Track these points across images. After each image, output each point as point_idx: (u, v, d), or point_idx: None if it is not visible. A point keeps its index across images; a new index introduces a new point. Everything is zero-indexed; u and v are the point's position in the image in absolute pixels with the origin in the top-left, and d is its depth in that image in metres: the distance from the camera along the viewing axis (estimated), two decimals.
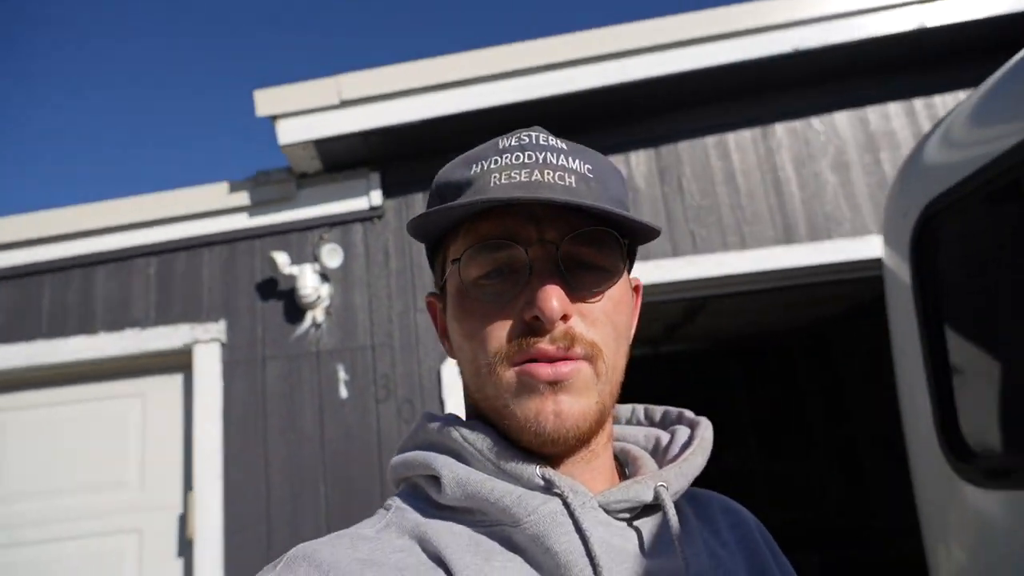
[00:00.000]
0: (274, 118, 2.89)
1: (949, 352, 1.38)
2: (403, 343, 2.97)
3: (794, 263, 3.04)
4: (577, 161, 0.57)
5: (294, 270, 2.95)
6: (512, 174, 0.55)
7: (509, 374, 0.53)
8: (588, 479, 0.56)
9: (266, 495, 2.78)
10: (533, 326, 0.52)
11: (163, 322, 3.01)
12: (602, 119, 3.20)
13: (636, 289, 0.65)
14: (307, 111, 2.90)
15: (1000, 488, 1.23)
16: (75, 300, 3.06)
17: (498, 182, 0.55)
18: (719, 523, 0.63)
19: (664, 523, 0.55)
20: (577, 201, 0.51)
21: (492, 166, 0.56)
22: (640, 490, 0.55)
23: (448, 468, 0.54)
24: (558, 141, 0.59)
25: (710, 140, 3.23)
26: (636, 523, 0.55)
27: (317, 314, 2.99)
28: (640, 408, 0.70)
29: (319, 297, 2.96)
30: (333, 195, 3.12)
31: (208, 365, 2.91)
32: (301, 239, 3.09)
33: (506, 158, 0.56)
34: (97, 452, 2.95)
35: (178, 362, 3.00)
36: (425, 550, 0.51)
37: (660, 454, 0.63)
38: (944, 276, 1.42)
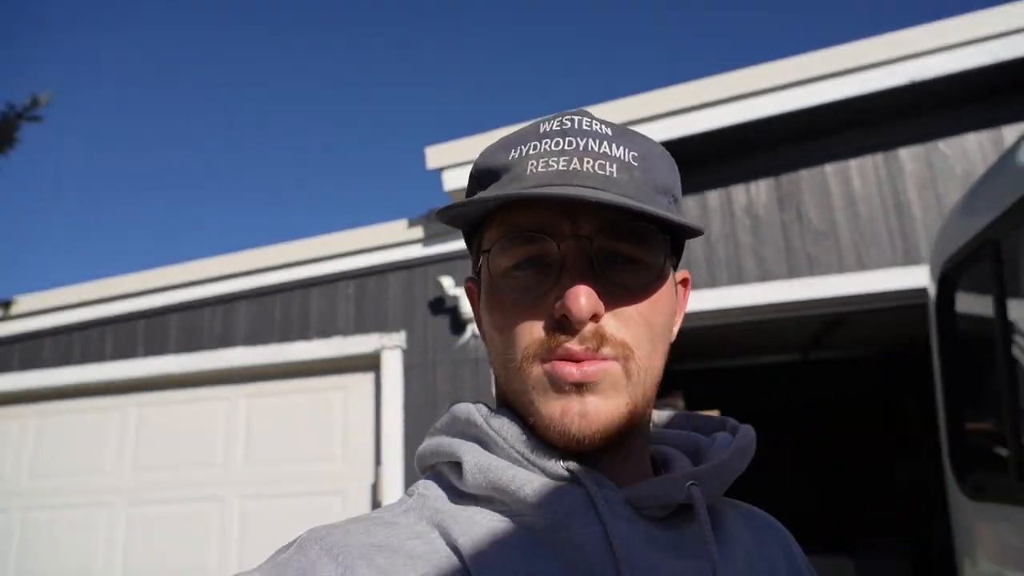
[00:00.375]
0: (441, 169, 3.57)
1: (958, 385, 1.65)
2: None
3: (915, 284, 3.17)
4: (621, 148, 0.55)
5: (457, 291, 3.62)
6: (550, 161, 0.53)
7: (536, 371, 0.51)
8: (619, 477, 0.54)
9: None
10: (562, 324, 0.50)
11: (359, 332, 3.83)
12: (724, 153, 3.53)
13: (684, 283, 0.63)
14: (466, 163, 3.55)
15: (982, 500, 1.51)
16: (296, 314, 3.98)
17: (535, 170, 0.53)
18: (764, 536, 0.62)
19: (697, 525, 0.52)
20: (607, 198, 0.49)
21: (531, 152, 0.54)
22: (670, 487, 0.52)
23: (471, 454, 0.54)
24: (602, 126, 0.56)
25: (830, 168, 3.43)
26: (667, 523, 0.53)
27: (475, 327, 3.64)
28: (684, 415, 0.68)
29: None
30: None
31: (392, 367, 3.68)
32: (464, 265, 3.76)
33: (545, 144, 0.54)
34: (313, 431, 3.84)
35: (370, 363, 3.81)
36: (442, 537, 0.51)
37: (698, 458, 0.61)
38: (956, 322, 1.68)
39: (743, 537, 0.59)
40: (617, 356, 0.51)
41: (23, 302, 4.51)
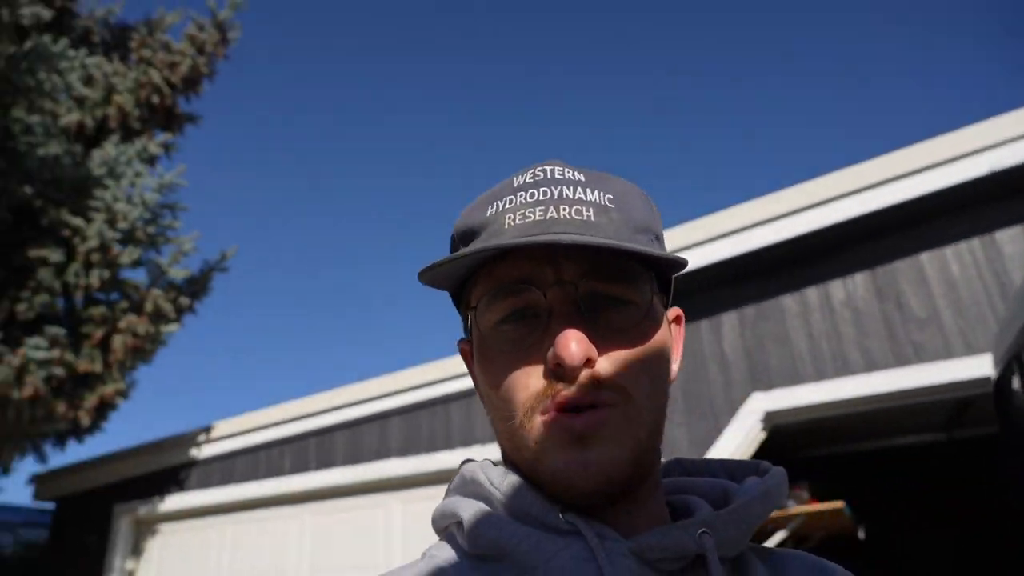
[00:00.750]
0: None
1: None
2: (665, 451, 3.78)
3: None
4: (596, 192, 0.55)
5: None
6: (527, 213, 0.53)
7: (536, 426, 0.51)
8: (627, 528, 0.52)
9: None
10: (557, 373, 0.50)
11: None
12: (820, 250, 3.76)
13: (677, 320, 0.62)
14: None
15: None
16: (439, 426, 4.51)
17: (512, 223, 0.53)
18: None
19: None
20: (585, 240, 0.49)
21: (507, 206, 0.55)
22: (680, 536, 0.50)
23: (469, 512, 0.53)
24: (575, 172, 0.57)
25: (925, 256, 3.56)
26: None
27: None
28: (719, 461, 0.65)
29: None
30: None
31: None
32: None
33: (520, 196, 0.55)
34: None
35: None
36: None
37: (724, 505, 0.57)
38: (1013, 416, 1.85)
39: None
40: (615, 400, 0.50)
41: (220, 427, 5.39)
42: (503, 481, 0.54)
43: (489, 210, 0.56)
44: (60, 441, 6.25)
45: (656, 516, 0.56)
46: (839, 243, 3.72)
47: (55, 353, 4.04)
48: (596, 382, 0.50)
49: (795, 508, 3.63)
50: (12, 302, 4.35)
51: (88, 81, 5.28)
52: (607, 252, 0.52)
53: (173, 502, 5.32)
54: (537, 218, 0.53)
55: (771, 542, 3.63)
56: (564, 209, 0.53)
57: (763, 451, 4.03)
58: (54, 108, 4.51)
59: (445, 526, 0.58)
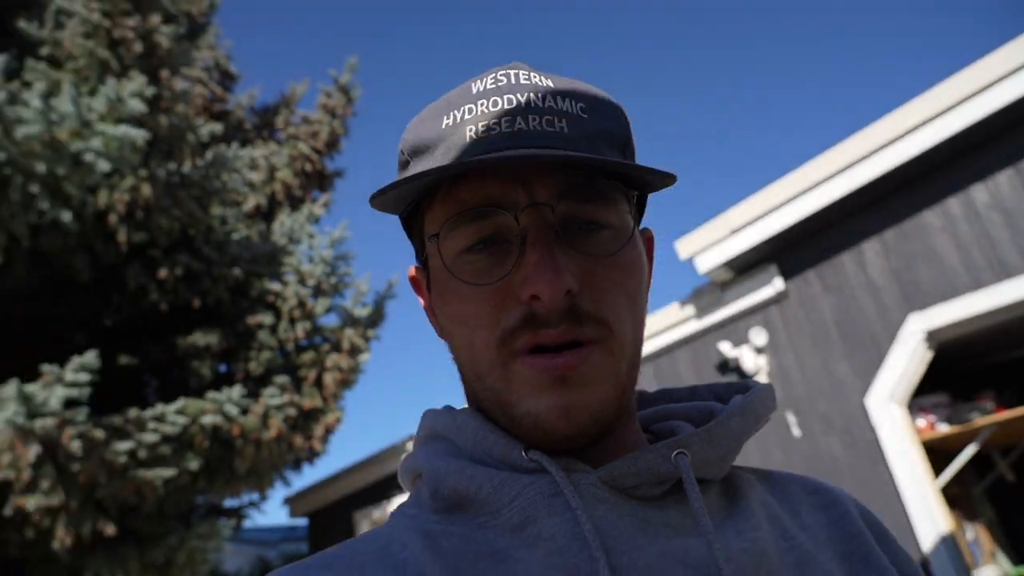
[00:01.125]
0: (692, 256, 4.30)
1: None
2: (831, 388, 3.91)
3: None
4: (568, 101, 0.49)
5: (736, 352, 4.22)
6: (491, 124, 0.47)
7: (510, 367, 0.46)
8: (598, 459, 0.48)
9: None
10: (533, 308, 0.45)
11: None
12: (954, 156, 3.69)
13: (649, 241, 0.57)
14: (712, 245, 4.22)
15: None
16: None
17: (475, 135, 0.47)
18: (800, 504, 0.54)
19: (706, 499, 0.47)
20: (566, 156, 0.43)
21: (467, 116, 0.48)
22: (652, 459, 0.46)
23: (429, 463, 0.49)
24: (543, 78, 0.50)
25: None
26: (664, 501, 0.47)
27: (761, 378, 4.18)
28: (707, 385, 0.61)
29: (759, 367, 4.16)
30: (747, 291, 4.33)
31: None
32: (736, 328, 4.36)
33: (482, 105, 0.48)
34: None
35: None
36: (412, 556, 0.45)
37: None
38: None
39: (772, 508, 0.52)
40: (598, 336, 0.46)
41: None
42: (463, 426, 0.50)
43: (445, 121, 0.50)
44: (297, 467, 7.40)
45: (630, 445, 0.51)
46: (975, 144, 3.63)
47: (286, 397, 4.90)
48: (577, 317, 0.45)
49: (979, 420, 3.62)
50: (244, 363, 5.31)
51: (253, 166, 6.21)
52: (584, 170, 0.47)
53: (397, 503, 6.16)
54: (504, 130, 0.47)
55: (960, 458, 3.66)
56: (534, 120, 0.47)
57: (937, 368, 4.03)
58: (237, 198, 5.41)
59: (412, 480, 0.54)
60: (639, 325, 0.50)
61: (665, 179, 0.48)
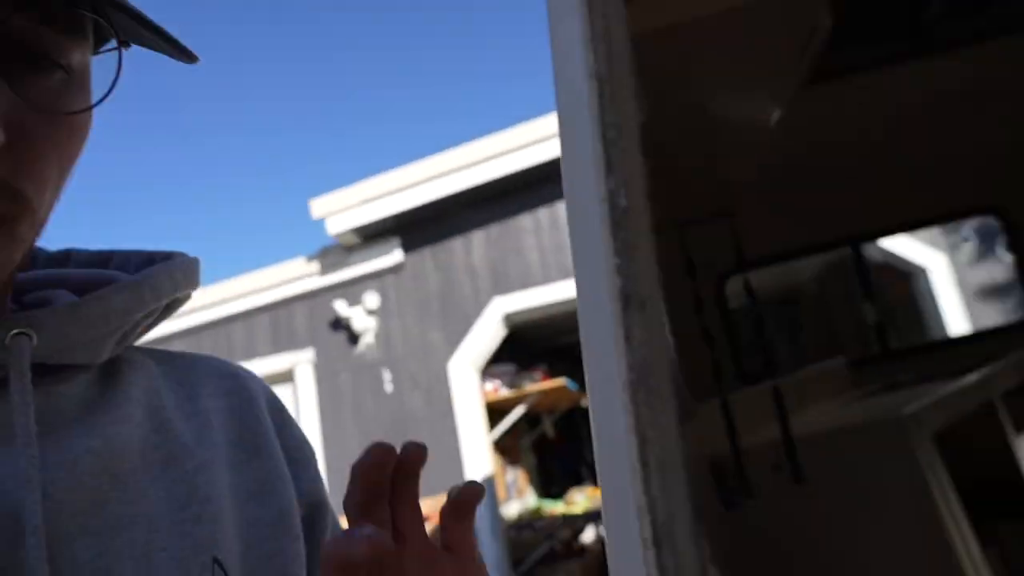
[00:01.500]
0: (324, 218, 4.48)
1: None
2: (424, 352, 4.49)
3: None
4: None
5: (350, 312, 4.54)
6: None
7: None
8: None
9: (345, 454, 4.43)
10: None
11: (277, 352, 4.72)
12: (549, 176, 4.51)
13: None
14: (344, 210, 4.46)
15: None
16: (224, 344, 4.84)
17: None
18: (203, 387, 0.47)
19: (68, 389, 0.39)
20: None
21: None
22: None
23: None
24: None
25: None
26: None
27: (368, 338, 4.58)
28: (125, 251, 0.47)
29: (367, 327, 4.55)
30: (369, 257, 4.68)
31: (305, 378, 4.58)
32: (353, 290, 4.68)
33: None
34: None
35: (287, 378, 4.71)
36: None
37: None
38: None
39: (158, 396, 0.43)
40: (10, 214, 0.34)
41: None
42: None
43: None
44: None
45: None
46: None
47: None
48: None
49: (529, 387, 4.55)
50: None
51: None
52: None
53: None
54: None
55: (511, 416, 4.55)
56: None
57: (510, 344, 4.90)
58: None
59: None
60: (60, 194, 0.38)
61: (183, 54, 0.39)
